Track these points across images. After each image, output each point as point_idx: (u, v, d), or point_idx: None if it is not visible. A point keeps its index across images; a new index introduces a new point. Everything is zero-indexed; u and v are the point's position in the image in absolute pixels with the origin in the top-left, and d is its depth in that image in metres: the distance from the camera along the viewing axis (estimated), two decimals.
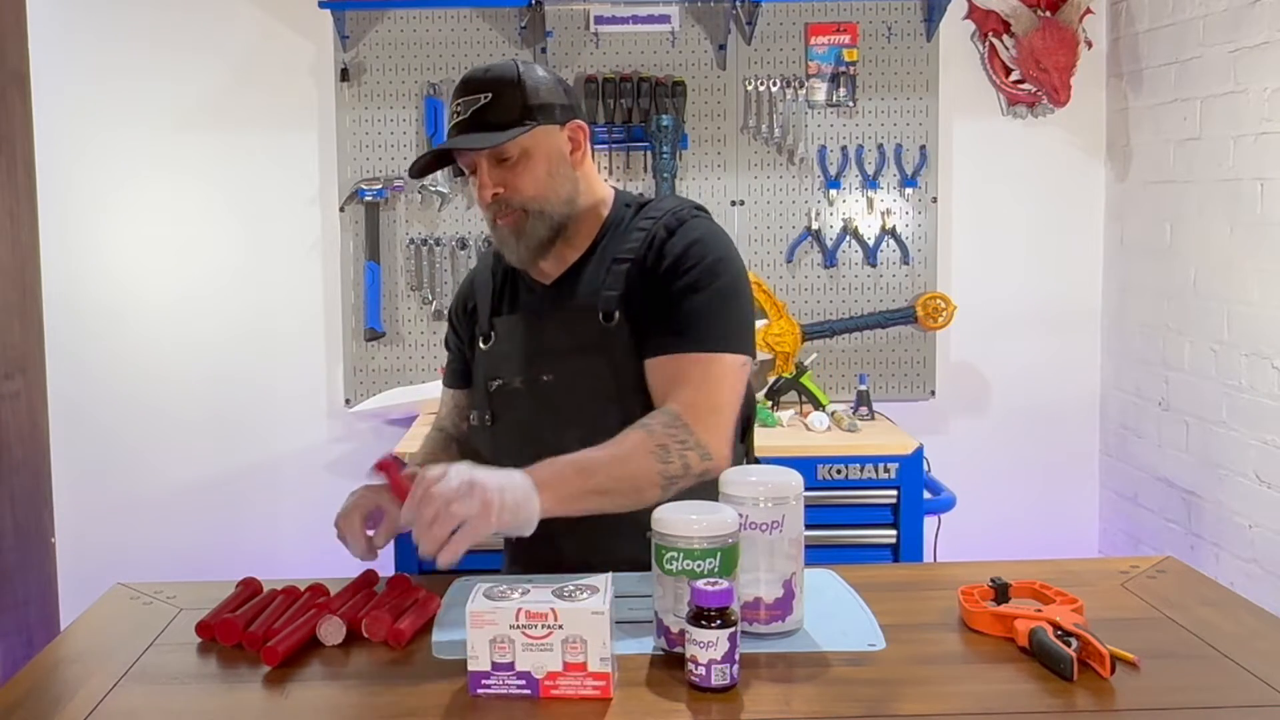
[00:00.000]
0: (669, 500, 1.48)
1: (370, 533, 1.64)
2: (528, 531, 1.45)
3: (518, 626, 1.28)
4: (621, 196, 1.80)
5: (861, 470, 2.99)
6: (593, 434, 1.62)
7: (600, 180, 1.80)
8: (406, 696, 1.32)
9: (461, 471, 1.42)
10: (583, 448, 1.59)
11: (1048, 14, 3.42)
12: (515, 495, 1.44)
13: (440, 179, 3.45)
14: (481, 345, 1.80)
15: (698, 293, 1.64)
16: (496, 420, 1.78)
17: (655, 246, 1.69)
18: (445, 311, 3.44)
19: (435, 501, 1.39)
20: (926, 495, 3.05)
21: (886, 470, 2.99)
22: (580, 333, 1.70)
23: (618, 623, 1.35)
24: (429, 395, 3.37)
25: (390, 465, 1.57)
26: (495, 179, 1.68)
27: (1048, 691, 1.30)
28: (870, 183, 3.50)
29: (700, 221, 1.72)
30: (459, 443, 1.90)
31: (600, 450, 1.54)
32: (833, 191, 3.51)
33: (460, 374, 1.90)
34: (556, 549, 1.68)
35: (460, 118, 1.68)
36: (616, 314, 1.68)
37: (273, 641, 1.41)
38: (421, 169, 1.77)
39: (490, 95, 1.66)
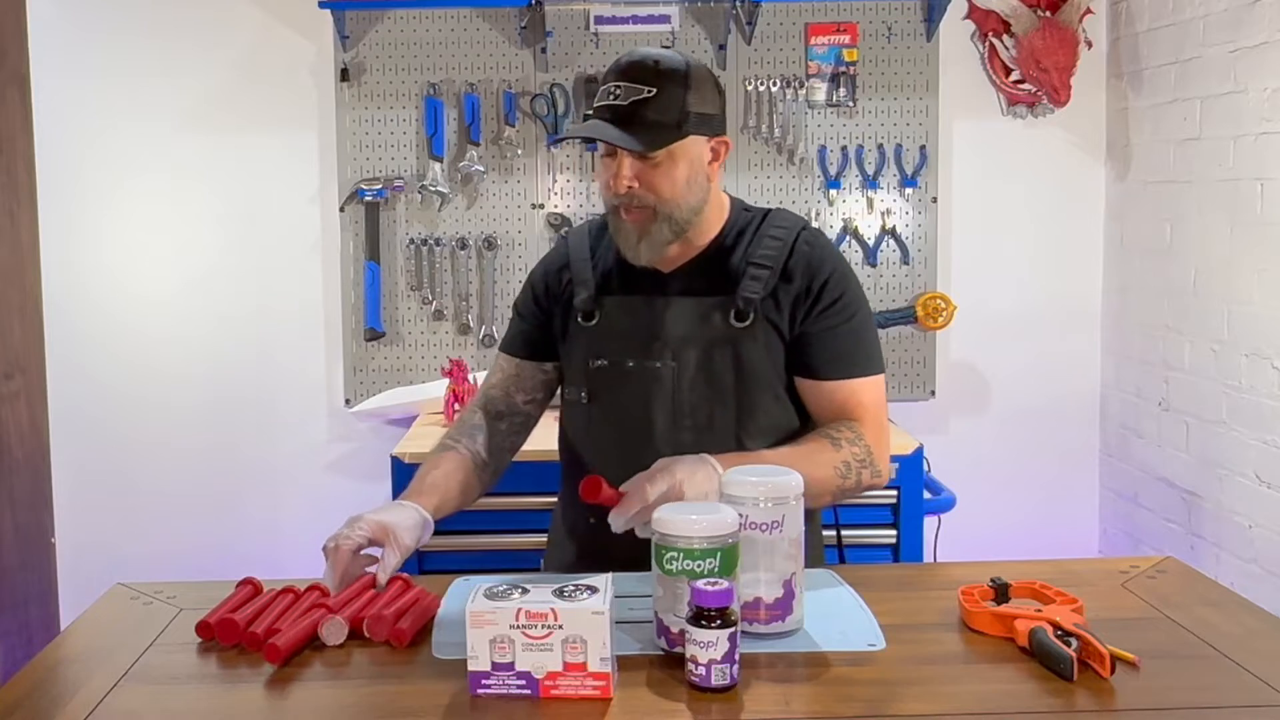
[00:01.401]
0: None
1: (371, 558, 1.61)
2: None
3: (518, 626, 1.28)
4: (736, 201, 1.85)
5: None
6: (705, 425, 1.72)
7: (721, 189, 1.83)
8: (406, 696, 1.33)
9: (668, 479, 1.51)
10: (692, 437, 1.71)
11: (1048, 14, 3.42)
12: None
13: (440, 178, 3.45)
14: (582, 321, 1.79)
15: (852, 318, 1.75)
16: (594, 399, 1.78)
17: (799, 261, 1.74)
18: (445, 312, 3.48)
19: (642, 518, 1.49)
20: (926, 495, 3.04)
21: None
22: (710, 327, 1.73)
23: (618, 623, 1.35)
24: (429, 395, 3.37)
25: (597, 485, 1.55)
26: (633, 172, 1.68)
27: (1048, 691, 1.30)
28: (870, 183, 3.50)
29: (827, 240, 1.82)
30: (496, 420, 1.86)
31: (789, 452, 1.63)
32: (833, 191, 3.51)
33: (532, 344, 1.88)
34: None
35: (616, 102, 1.67)
36: (752, 315, 1.72)
37: (275, 639, 1.41)
38: (563, 139, 1.83)
39: (655, 91, 1.66)
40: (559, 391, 1.90)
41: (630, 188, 1.68)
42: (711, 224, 1.78)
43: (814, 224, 3.45)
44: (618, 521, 1.51)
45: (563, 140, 1.83)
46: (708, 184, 1.75)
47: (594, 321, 1.79)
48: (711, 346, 1.73)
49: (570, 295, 1.82)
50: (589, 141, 1.82)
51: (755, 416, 1.74)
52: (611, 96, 1.68)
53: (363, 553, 1.60)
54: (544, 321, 1.87)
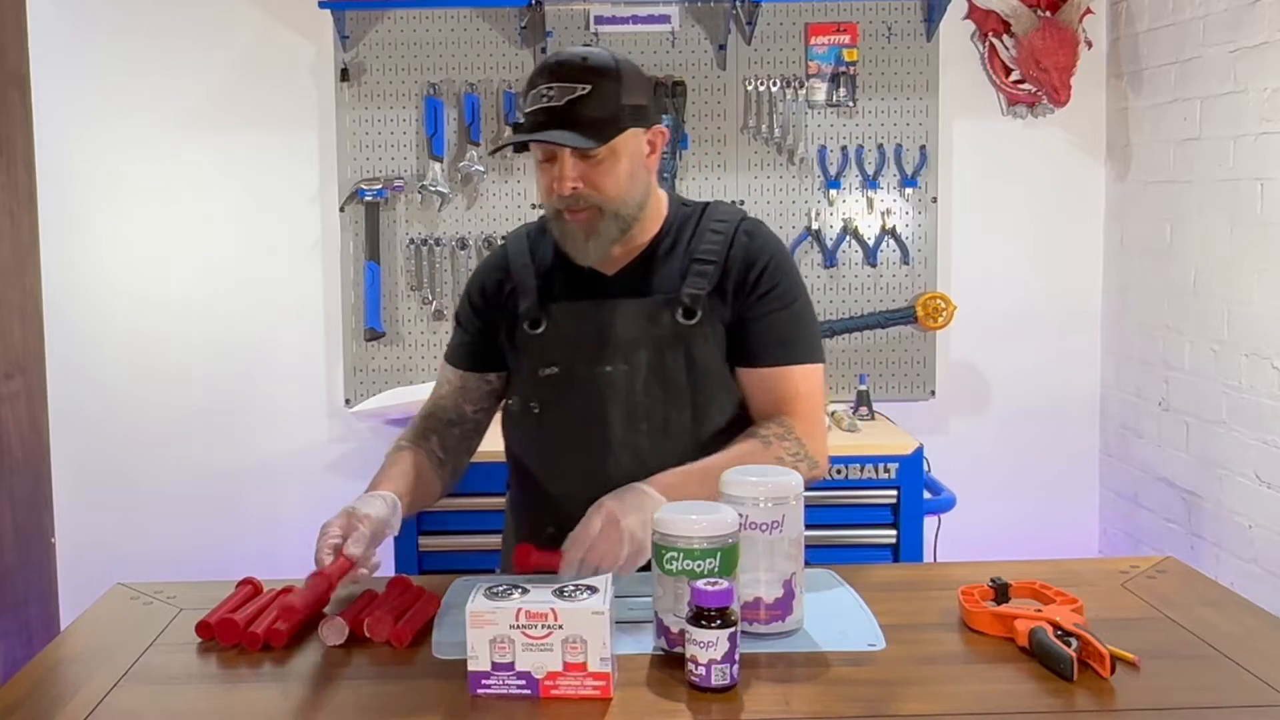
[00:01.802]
0: None
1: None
2: None
3: (518, 626, 1.28)
4: (674, 196, 1.84)
5: (861, 470, 2.99)
6: (660, 428, 1.70)
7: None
8: (406, 696, 1.33)
9: (603, 516, 1.49)
10: (648, 441, 1.70)
11: (1048, 14, 3.42)
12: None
13: (440, 178, 3.45)
14: (528, 330, 1.77)
15: (789, 305, 1.73)
16: (545, 408, 1.75)
17: (738, 251, 1.73)
18: (445, 312, 3.48)
19: (591, 563, 1.49)
20: (926, 495, 3.05)
21: (886, 470, 2.99)
22: (658, 327, 1.71)
23: (618, 623, 1.35)
24: (429, 395, 3.36)
25: (526, 553, 1.56)
26: (576, 173, 1.66)
27: (1048, 691, 1.30)
28: (870, 183, 3.50)
29: (768, 230, 1.80)
30: (448, 426, 1.85)
31: (722, 459, 1.61)
32: (833, 191, 3.51)
33: (475, 355, 1.86)
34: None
35: (552, 104, 1.64)
36: (699, 313, 1.70)
37: (277, 624, 1.42)
38: (500, 149, 1.79)
39: (589, 88, 1.64)
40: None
41: (575, 188, 1.66)
42: (651, 220, 1.77)
43: (814, 224, 3.50)
44: (571, 574, 1.49)
45: (502, 149, 1.79)
46: (648, 176, 1.74)
47: (541, 329, 1.76)
48: (662, 347, 1.71)
49: (514, 304, 1.80)
50: (519, 150, 1.79)
51: (710, 414, 1.72)
52: (545, 99, 1.65)
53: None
54: (485, 332, 1.84)
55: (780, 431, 1.67)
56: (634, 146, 1.69)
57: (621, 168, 1.67)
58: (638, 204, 1.72)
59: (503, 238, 1.91)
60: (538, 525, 1.79)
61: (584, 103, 1.64)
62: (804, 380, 1.73)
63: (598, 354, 1.72)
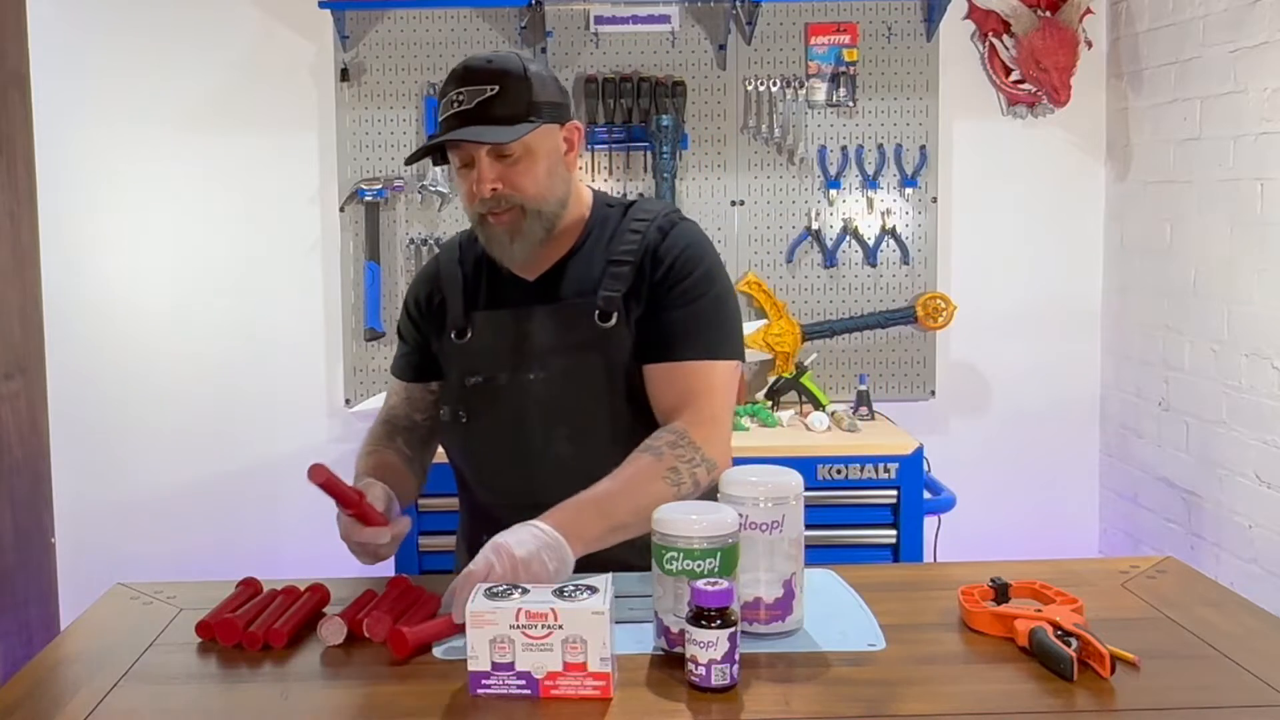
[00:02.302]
0: None
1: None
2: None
3: (518, 626, 1.28)
4: (600, 196, 1.81)
5: (861, 470, 2.99)
6: (581, 434, 1.67)
7: (580, 180, 1.79)
8: (406, 696, 1.33)
9: (494, 551, 1.43)
10: (570, 447, 1.67)
11: (1048, 14, 3.42)
12: (549, 564, 1.45)
13: (440, 178, 3.45)
14: (455, 339, 1.76)
15: (695, 300, 1.68)
16: (473, 417, 1.74)
17: (650, 249, 1.70)
18: None
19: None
20: (926, 495, 3.05)
21: (886, 470, 2.99)
22: (575, 332, 1.69)
23: (618, 623, 1.35)
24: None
25: (400, 638, 1.45)
26: (494, 174, 1.65)
27: (1048, 691, 1.30)
28: (870, 183, 3.50)
29: (690, 226, 1.75)
30: (408, 431, 1.85)
31: (614, 483, 1.56)
32: (833, 191, 3.51)
33: (416, 367, 1.85)
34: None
35: (462, 107, 1.64)
36: (615, 315, 1.68)
37: (277, 624, 1.42)
38: (417, 158, 1.75)
39: (497, 88, 1.63)
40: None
41: (494, 189, 1.64)
42: (574, 224, 1.74)
43: (814, 224, 3.50)
44: (460, 615, 1.38)
45: (420, 158, 1.76)
46: (568, 174, 1.72)
47: (466, 338, 1.75)
48: (579, 352, 1.68)
49: (443, 313, 1.79)
50: (439, 162, 1.78)
51: (633, 417, 1.68)
52: (457, 104, 1.64)
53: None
54: (422, 343, 1.83)
55: (672, 439, 1.60)
56: (550, 143, 1.68)
57: (539, 166, 1.66)
58: (559, 201, 1.70)
59: (438, 246, 1.90)
60: (475, 533, 1.76)
61: (494, 103, 1.63)
62: (707, 377, 1.66)
63: (518, 362, 1.71)
